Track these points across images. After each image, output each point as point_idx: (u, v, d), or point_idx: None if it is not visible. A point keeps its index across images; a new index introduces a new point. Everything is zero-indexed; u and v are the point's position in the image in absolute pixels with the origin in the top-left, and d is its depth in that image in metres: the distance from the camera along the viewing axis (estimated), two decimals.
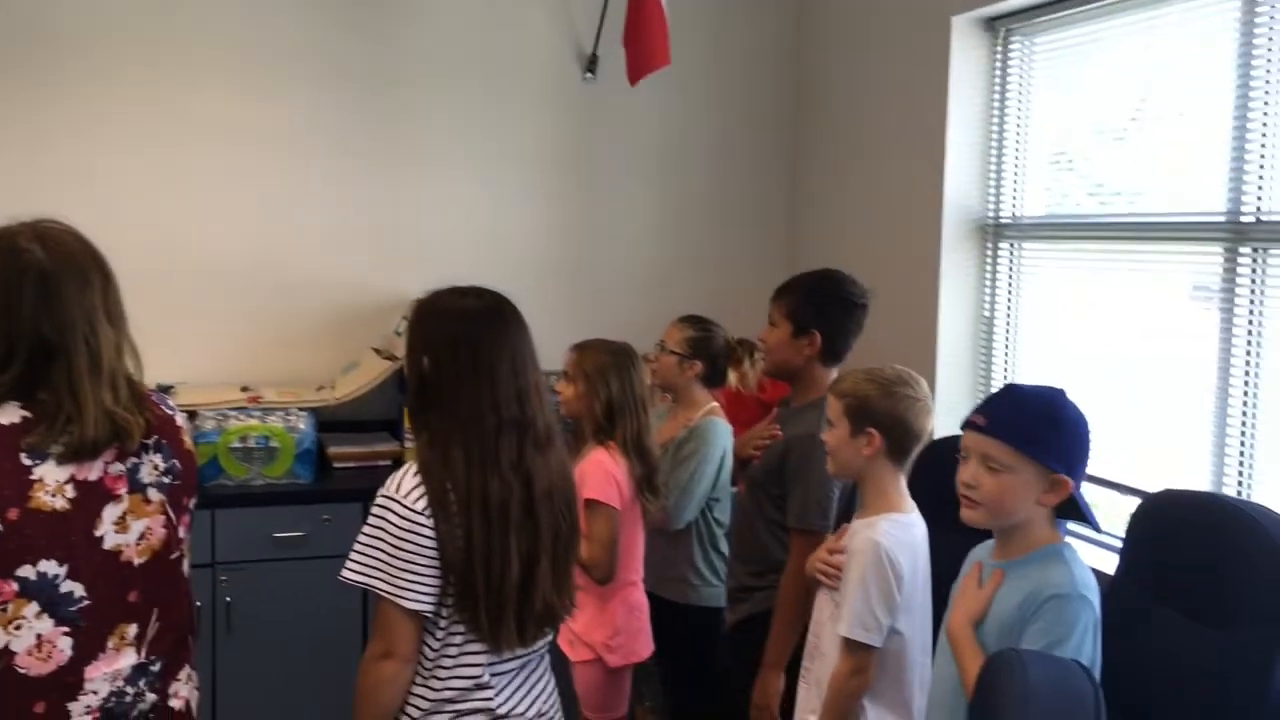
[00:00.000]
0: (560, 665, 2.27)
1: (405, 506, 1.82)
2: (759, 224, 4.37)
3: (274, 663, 3.25)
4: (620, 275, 4.20)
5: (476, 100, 3.97)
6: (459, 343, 1.90)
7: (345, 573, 1.84)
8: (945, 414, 3.41)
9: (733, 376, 3.15)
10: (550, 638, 2.03)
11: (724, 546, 3.05)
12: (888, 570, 2.14)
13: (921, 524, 2.26)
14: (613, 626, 2.80)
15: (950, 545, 2.15)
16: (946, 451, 2.11)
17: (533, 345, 1.98)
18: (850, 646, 2.15)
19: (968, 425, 1.99)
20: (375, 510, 1.85)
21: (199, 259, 3.70)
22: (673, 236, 4.28)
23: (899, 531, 2.20)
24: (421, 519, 1.81)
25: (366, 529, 1.85)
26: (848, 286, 2.74)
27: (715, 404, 3.10)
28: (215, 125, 3.69)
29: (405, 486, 1.84)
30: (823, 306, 2.71)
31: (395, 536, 1.81)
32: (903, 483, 2.28)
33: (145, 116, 3.62)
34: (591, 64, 4.06)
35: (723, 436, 3.02)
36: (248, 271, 3.76)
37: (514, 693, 1.95)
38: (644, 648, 2.88)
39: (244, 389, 3.57)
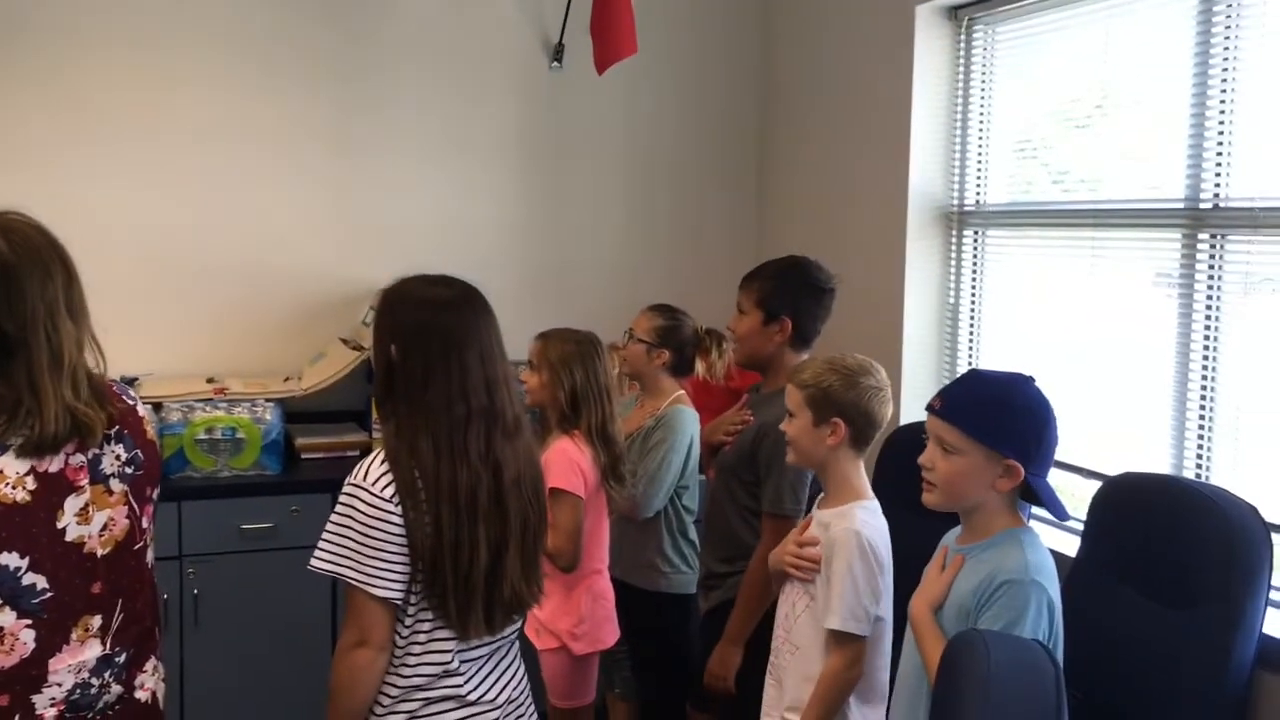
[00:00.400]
0: (528, 653, 2.27)
1: (373, 494, 1.82)
2: (726, 212, 4.38)
3: (242, 655, 3.23)
4: (587, 264, 4.20)
5: (443, 89, 3.96)
6: (428, 331, 1.90)
7: (314, 561, 1.84)
8: (911, 400, 3.44)
9: (700, 366, 3.16)
10: (519, 625, 2.04)
11: (693, 534, 3.07)
12: (871, 559, 2.15)
13: (879, 508, 2.29)
14: (578, 614, 2.81)
15: (916, 528, 2.17)
16: (912, 436, 2.14)
17: (500, 335, 1.98)
18: (841, 639, 2.14)
19: (928, 408, 2.02)
20: (343, 499, 1.85)
21: (164, 251, 3.67)
22: (639, 225, 4.28)
23: (872, 519, 2.22)
24: (389, 506, 1.81)
25: (334, 518, 1.85)
26: (815, 272, 2.76)
27: (682, 392, 3.11)
28: (180, 117, 3.66)
29: (373, 474, 1.84)
30: (792, 292, 2.73)
31: (363, 524, 1.81)
32: (863, 470, 2.30)
33: (110, 110, 3.58)
34: (558, 53, 4.05)
35: (690, 424, 3.03)
36: (214, 263, 3.73)
37: (484, 679, 1.95)
38: (609, 635, 2.89)
39: (210, 380, 3.55)
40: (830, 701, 2.16)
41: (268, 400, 3.42)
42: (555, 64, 4.06)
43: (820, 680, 2.17)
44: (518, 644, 2.07)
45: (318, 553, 1.84)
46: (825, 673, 2.16)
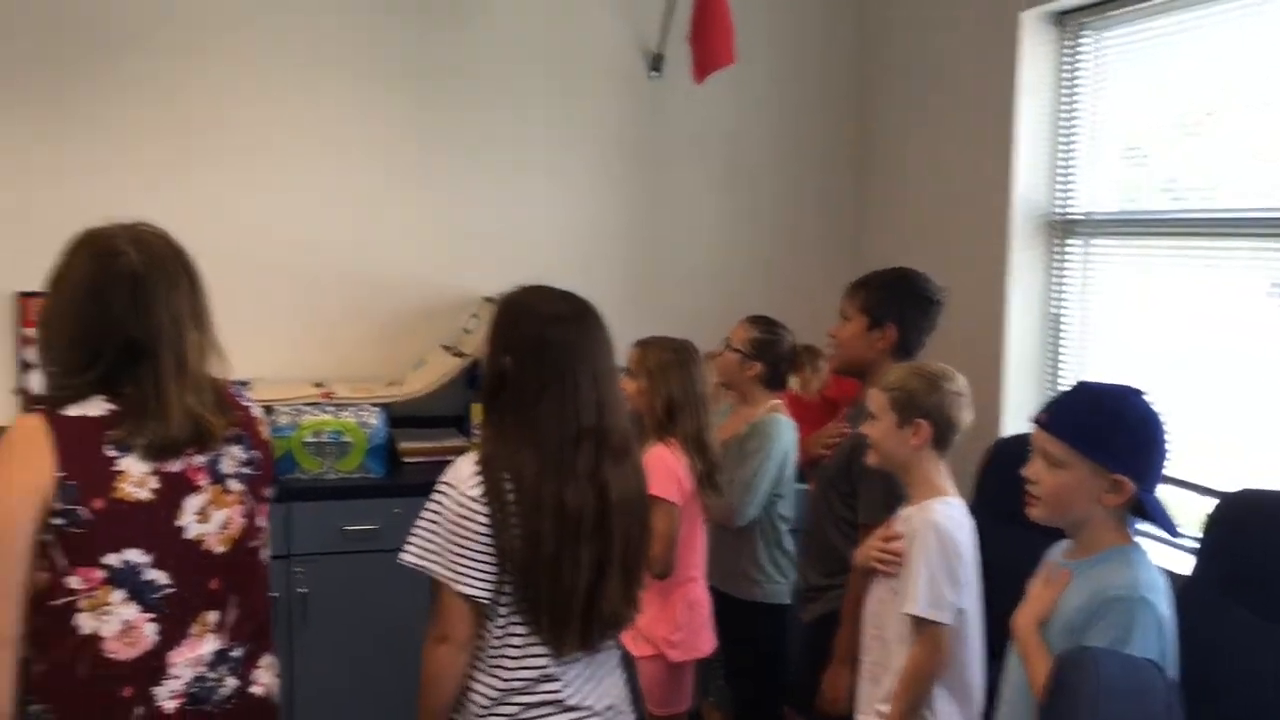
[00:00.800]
0: (626, 659, 2.29)
1: (461, 493, 1.85)
2: (825, 221, 4.36)
3: (350, 655, 3.31)
4: (686, 273, 4.21)
5: (544, 97, 4.00)
6: (545, 346, 1.91)
7: (403, 555, 1.88)
8: (1013, 411, 3.39)
9: (795, 382, 3.15)
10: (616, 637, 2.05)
11: (788, 543, 3.06)
12: (950, 548, 2.20)
13: (965, 507, 2.31)
14: (674, 623, 2.82)
15: (1019, 542, 2.14)
16: (1015, 449, 2.11)
17: (614, 354, 1.99)
18: (922, 626, 2.18)
19: (1034, 420, 1.99)
20: (433, 495, 1.89)
21: (271, 256, 3.76)
22: (739, 234, 4.28)
23: (952, 512, 2.26)
24: (477, 505, 1.84)
25: (424, 513, 1.89)
26: (924, 284, 2.77)
27: (779, 401, 3.10)
28: (287, 124, 3.76)
29: (464, 473, 1.87)
30: (899, 301, 2.73)
31: (450, 522, 1.85)
32: (945, 469, 2.33)
33: (223, 117, 3.70)
34: (657, 62, 4.07)
35: (785, 433, 3.03)
36: (320, 269, 3.82)
37: (584, 684, 1.96)
38: (705, 644, 2.90)
39: (317, 385, 3.65)
40: (915, 691, 2.19)
41: (372, 405, 3.49)
42: (654, 73, 4.08)
43: (904, 669, 2.20)
44: (619, 650, 2.08)
45: (407, 546, 1.88)
46: (908, 661, 2.20)
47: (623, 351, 2.88)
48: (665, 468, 2.73)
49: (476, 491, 1.85)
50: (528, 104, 3.99)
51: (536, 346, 1.92)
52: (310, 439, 3.35)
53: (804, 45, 4.29)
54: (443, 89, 3.91)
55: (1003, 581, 2.19)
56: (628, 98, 4.10)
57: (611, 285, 3.98)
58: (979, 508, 2.34)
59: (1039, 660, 1.88)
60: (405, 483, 3.43)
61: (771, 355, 3.07)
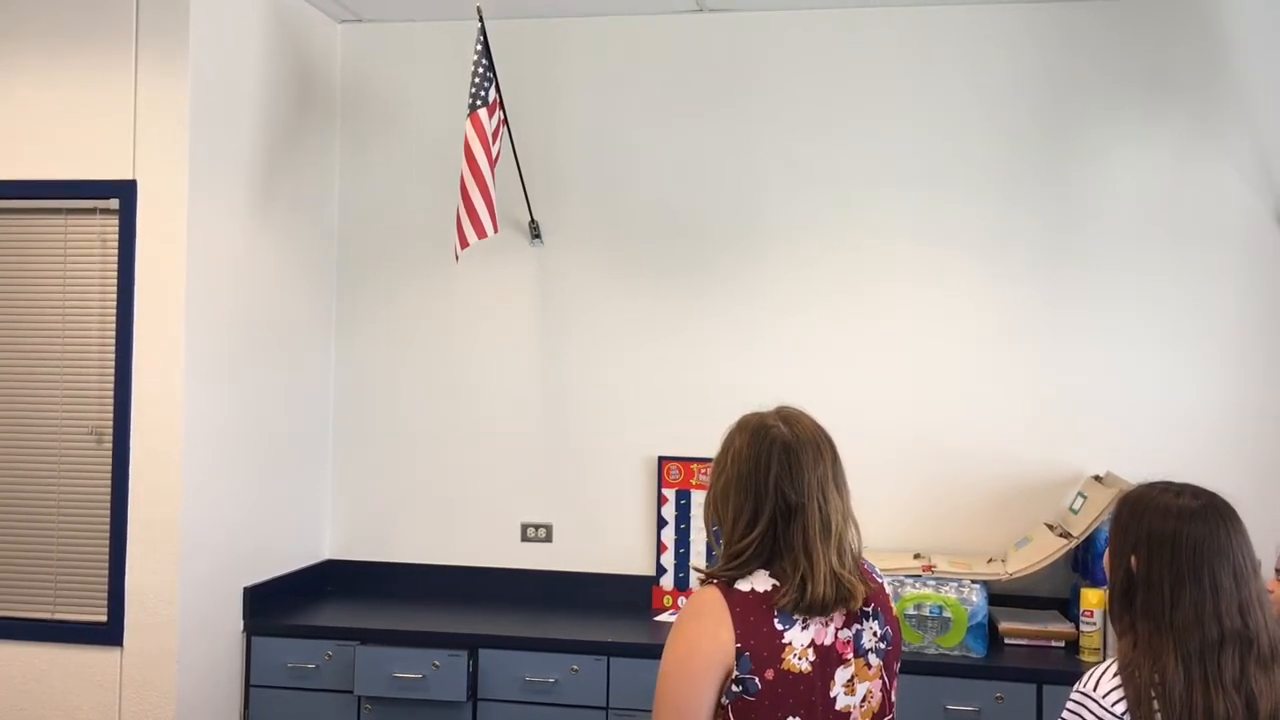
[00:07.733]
0: None
1: (1102, 706, 1.80)
2: None
3: None
4: None
5: (1160, 265, 3.82)
6: (1177, 543, 1.85)
7: None
8: None
9: None
10: None
11: None
12: None
13: None
14: None
15: None
16: None
17: (1253, 550, 1.87)
18: None
19: None
20: (1070, 706, 1.85)
21: (875, 424, 3.92)
22: None
23: None
24: None
25: None
26: None
27: None
28: (887, 298, 3.96)
29: (1103, 687, 1.82)
30: None
31: None
32: None
33: (845, 294, 3.99)
34: None
35: None
36: (921, 439, 3.91)
37: None
38: None
39: (916, 556, 3.71)
40: None
41: (973, 581, 3.48)
42: None
43: None
44: None
45: None
46: None
47: (1262, 551, 2.64)
48: None
49: (1119, 708, 1.79)
50: (1141, 270, 3.83)
51: (1167, 544, 1.86)
52: (912, 611, 3.41)
53: None
54: (1045, 253, 3.89)
55: None
56: (1257, 265, 3.78)
57: (1242, 474, 3.57)
58: None
59: None
60: (1006, 665, 3.35)
61: None
